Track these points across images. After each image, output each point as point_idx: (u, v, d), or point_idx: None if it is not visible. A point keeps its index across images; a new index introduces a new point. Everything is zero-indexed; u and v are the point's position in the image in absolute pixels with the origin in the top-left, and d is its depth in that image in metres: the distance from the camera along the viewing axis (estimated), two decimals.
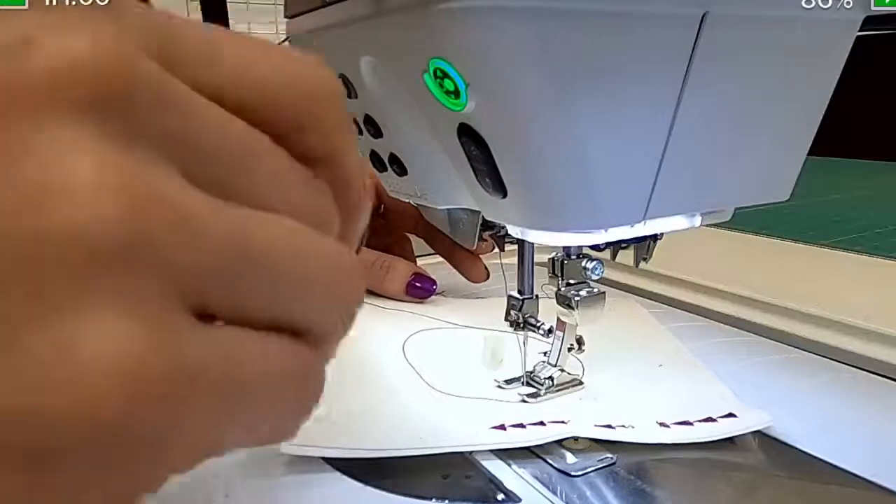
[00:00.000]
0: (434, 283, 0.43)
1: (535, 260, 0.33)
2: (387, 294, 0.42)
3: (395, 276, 0.42)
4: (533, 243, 0.32)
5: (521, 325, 0.33)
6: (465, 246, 0.33)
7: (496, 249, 0.35)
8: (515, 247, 0.34)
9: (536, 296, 0.33)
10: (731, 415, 0.30)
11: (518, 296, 0.33)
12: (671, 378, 0.34)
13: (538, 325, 0.33)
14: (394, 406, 0.29)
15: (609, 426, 0.29)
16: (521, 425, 0.29)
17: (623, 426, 0.29)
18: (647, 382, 0.34)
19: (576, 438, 0.28)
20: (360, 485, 0.25)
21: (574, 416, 0.30)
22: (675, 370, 0.35)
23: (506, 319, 0.34)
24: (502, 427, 0.29)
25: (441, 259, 0.46)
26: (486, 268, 0.45)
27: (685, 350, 0.38)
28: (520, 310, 0.33)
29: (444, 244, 0.45)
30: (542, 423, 0.29)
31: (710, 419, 0.30)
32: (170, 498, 0.25)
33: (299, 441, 0.25)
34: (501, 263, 0.34)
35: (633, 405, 0.31)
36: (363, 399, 0.30)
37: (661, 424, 0.30)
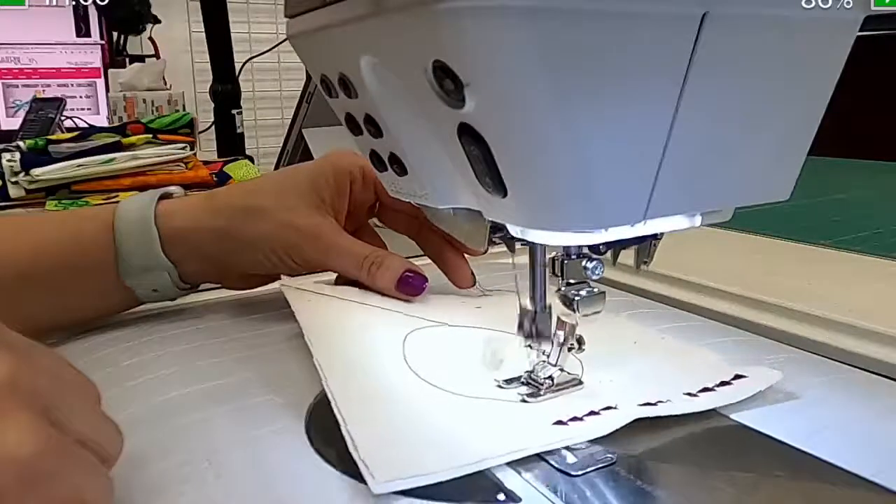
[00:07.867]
0: (426, 279, 0.42)
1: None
2: (376, 289, 0.42)
3: (387, 272, 0.41)
4: (544, 246, 0.32)
5: (534, 336, 0.33)
6: (477, 249, 0.33)
7: (506, 250, 0.35)
8: (526, 248, 0.33)
9: (550, 307, 0.33)
10: (739, 376, 0.31)
11: (531, 307, 0.33)
12: (664, 356, 0.35)
13: (553, 337, 0.32)
14: (439, 419, 0.29)
15: (649, 403, 0.30)
16: (579, 418, 0.29)
17: (661, 401, 0.30)
18: (647, 364, 0.34)
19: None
20: (359, 484, 0.25)
21: (617, 400, 0.30)
22: (656, 348, 0.36)
23: (518, 329, 0.33)
24: (561, 422, 0.29)
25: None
26: (472, 273, 0.45)
27: (650, 331, 0.39)
28: (533, 320, 0.32)
29: (434, 246, 0.45)
30: (594, 413, 0.29)
31: (725, 383, 0.31)
32: (162, 480, 0.25)
33: (380, 477, 0.24)
34: (514, 263, 0.34)
35: (656, 384, 0.32)
36: (396, 416, 0.29)
37: (689, 395, 0.31)
